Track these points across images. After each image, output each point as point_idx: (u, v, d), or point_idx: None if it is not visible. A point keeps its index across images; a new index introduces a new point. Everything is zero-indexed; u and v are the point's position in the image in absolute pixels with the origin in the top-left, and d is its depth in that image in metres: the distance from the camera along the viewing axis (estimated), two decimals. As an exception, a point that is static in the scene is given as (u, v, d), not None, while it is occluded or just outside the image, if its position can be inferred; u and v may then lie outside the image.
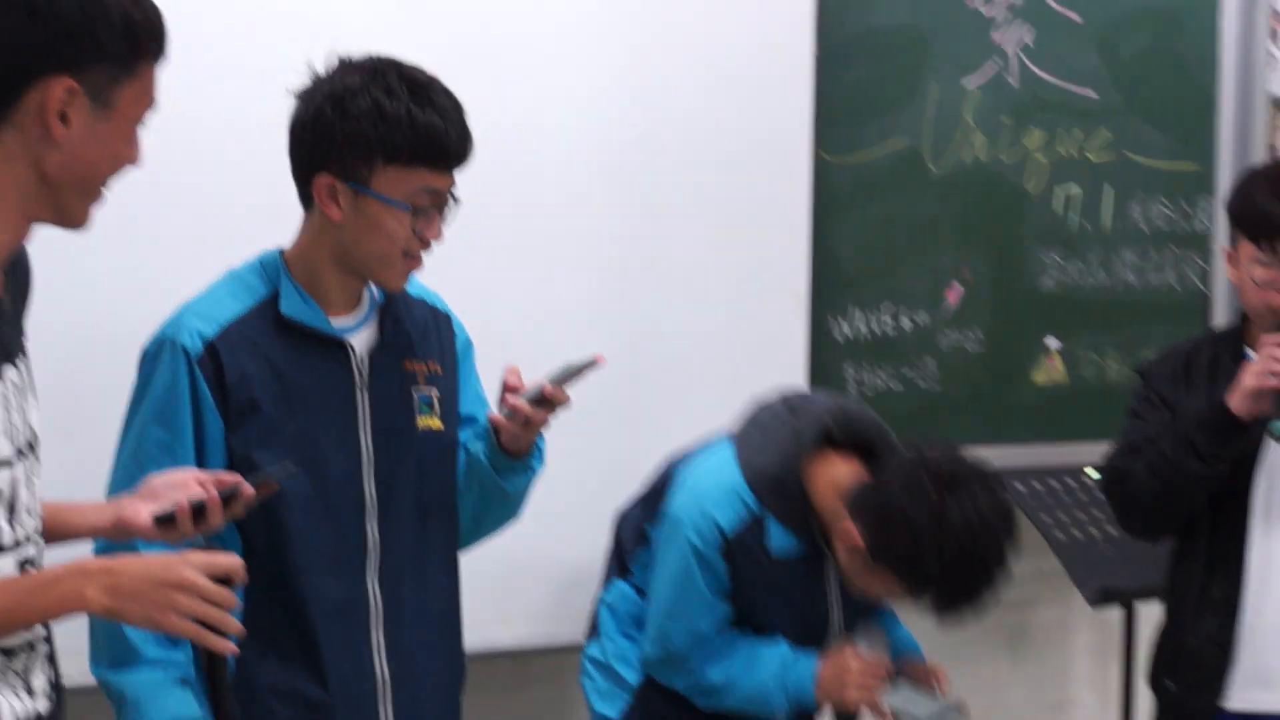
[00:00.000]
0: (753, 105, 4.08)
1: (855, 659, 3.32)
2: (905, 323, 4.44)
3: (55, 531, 2.50)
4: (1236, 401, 3.40)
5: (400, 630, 2.92)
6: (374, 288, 2.92)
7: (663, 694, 3.41)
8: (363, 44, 2.89)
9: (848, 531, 3.24)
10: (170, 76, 2.26)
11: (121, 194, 2.34)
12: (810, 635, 3.35)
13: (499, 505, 3.05)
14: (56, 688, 2.41)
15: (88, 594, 2.22)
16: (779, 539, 3.29)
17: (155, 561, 2.28)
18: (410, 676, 2.94)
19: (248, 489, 2.50)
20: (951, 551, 3.14)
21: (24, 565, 2.28)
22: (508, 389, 2.87)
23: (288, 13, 3.52)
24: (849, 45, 4.32)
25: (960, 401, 4.57)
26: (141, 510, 2.50)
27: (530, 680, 4.15)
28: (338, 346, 2.83)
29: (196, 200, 3.43)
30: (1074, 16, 4.66)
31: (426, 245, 2.82)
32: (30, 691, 2.34)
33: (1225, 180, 4.88)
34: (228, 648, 2.29)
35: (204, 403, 2.75)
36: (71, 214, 2.26)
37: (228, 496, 2.49)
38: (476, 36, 3.71)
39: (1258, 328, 3.56)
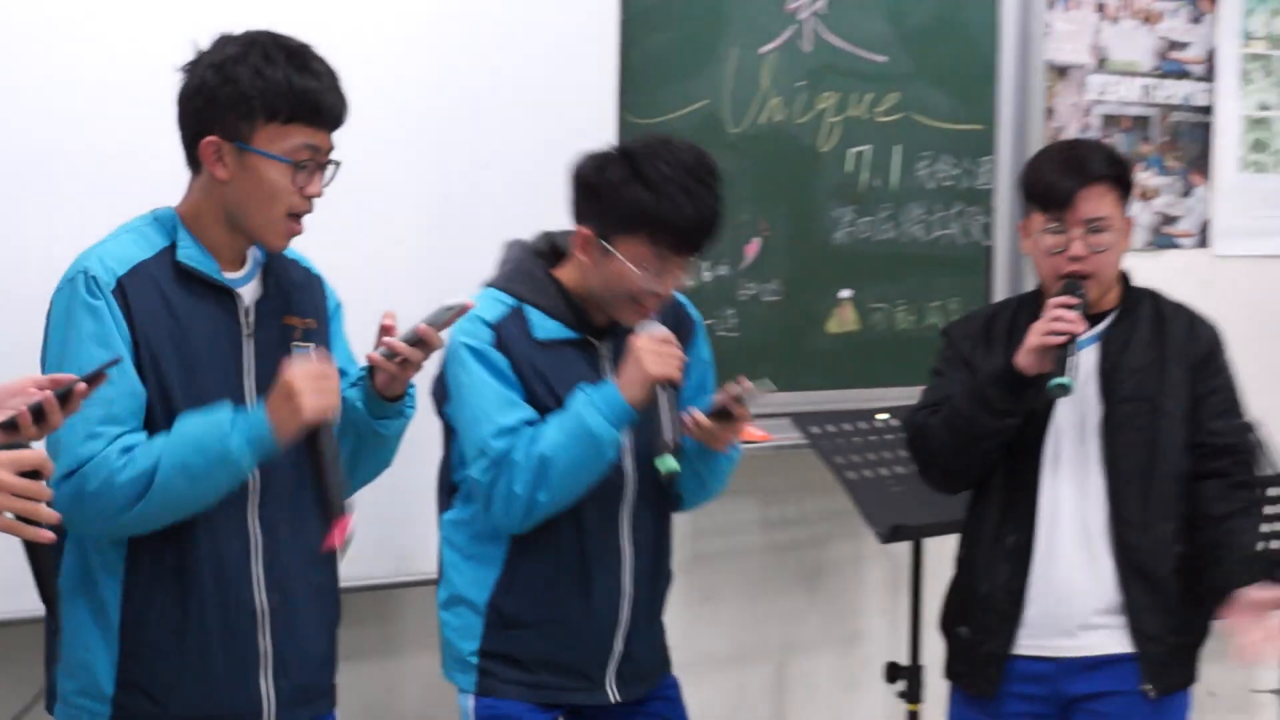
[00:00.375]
0: (561, 71, 4.11)
1: (644, 342, 3.26)
2: (706, 275, 4.47)
3: None
4: (1022, 359, 3.48)
5: (277, 566, 2.97)
6: (259, 249, 3.01)
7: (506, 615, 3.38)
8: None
9: (580, 236, 3.30)
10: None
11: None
12: None
13: (374, 450, 3.09)
14: None
15: None
16: (541, 324, 3.33)
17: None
18: (286, 609, 2.99)
19: (80, 385, 2.57)
20: (649, 164, 3.22)
21: None
22: (384, 331, 2.95)
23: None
24: (651, 13, 4.35)
25: (758, 349, 4.60)
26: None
27: (395, 613, 4.23)
28: (228, 296, 2.92)
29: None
30: None
31: (308, 203, 2.92)
32: None
33: (1006, 140, 5.05)
34: (43, 536, 2.37)
35: (120, 328, 2.83)
36: None
37: (63, 395, 2.56)
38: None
39: (1048, 294, 3.62)
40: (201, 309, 2.91)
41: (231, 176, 2.91)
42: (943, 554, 4.57)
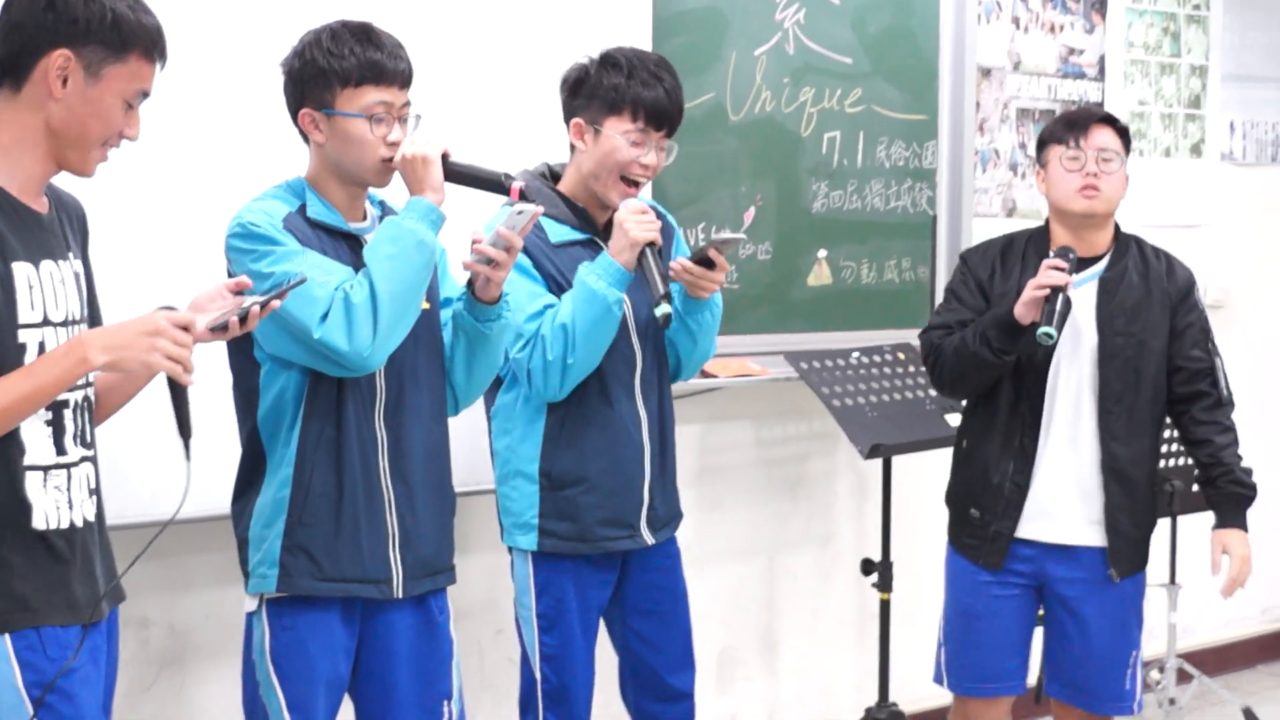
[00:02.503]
0: None
1: (624, 214, 3.40)
2: (714, 236, 4.44)
3: (139, 378, 2.75)
4: (1018, 309, 3.61)
5: (400, 459, 3.12)
6: (374, 203, 3.18)
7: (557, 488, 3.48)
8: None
9: (574, 127, 3.48)
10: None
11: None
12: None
13: (483, 351, 3.20)
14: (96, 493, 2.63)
15: (89, 355, 2.45)
16: (554, 229, 3.49)
17: (134, 320, 2.49)
18: (409, 496, 3.14)
19: (275, 302, 2.72)
20: (622, 59, 3.46)
21: (54, 408, 2.52)
22: (474, 242, 3.12)
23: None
24: (672, 20, 4.53)
25: (754, 299, 4.79)
26: (198, 322, 2.65)
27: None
28: (354, 240, 3.09)
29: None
30: (834, 0, 4.93)
31: (393, 149, 3.04)
32: (71, 505, 2.57)
33: (947, 128, 5.23)
34: (188, 381, 2.50)
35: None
36: (71, 162, 2.59)
37: (263, 304, 2.71)
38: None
39: (1061, 223, 3.76)
40: (332, 254, 3.05)
41: (327, 139, 3.05)
42: (906, 469, 4.92)
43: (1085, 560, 3.83)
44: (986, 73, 5.51)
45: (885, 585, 4.80)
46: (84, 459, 2.62)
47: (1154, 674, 5.69)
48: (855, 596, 5.24)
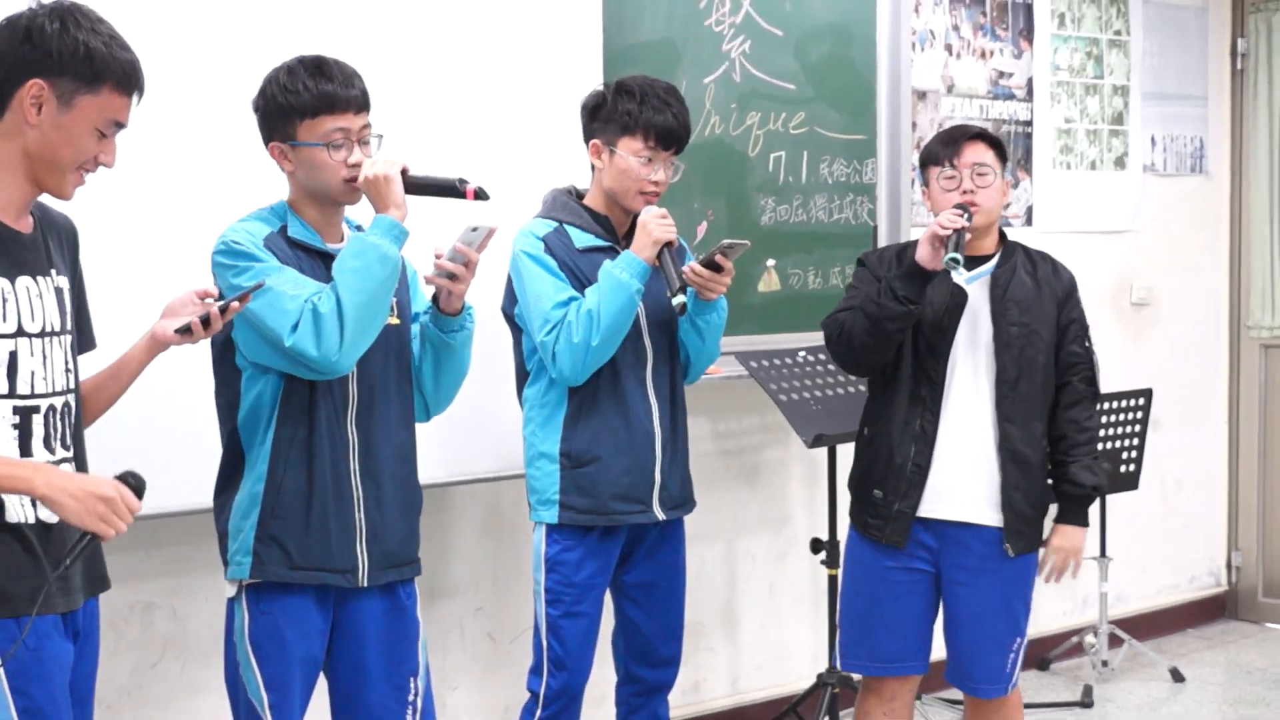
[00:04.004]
0: (559, 93, 4.21)
1: (647, 216, 3.54)
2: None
3: (122, 378, 2.83)
4: (920, 252, 3.62)
5: (370, 461, 3.16)
6: (350, 224, 3.22)
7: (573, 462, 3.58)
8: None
9: (593, 148, 3.60)
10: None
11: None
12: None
13: (449, 361, 3.26)
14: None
15: (36, 483, 2.46)
16: (579, 237, 3.63)
17: (94, 479, 2.50)
18: (377, 494, 3.18)
19: (236, 304, 2.79)
20: (635, 87, 3.58)
21: (22, 413, 2.53)
22: (437, 257, 3.17)
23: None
24: (625, 52, 4.53)
25: None
26: (167, 328, 2.78)
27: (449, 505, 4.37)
28: (331, 259, 3.10)
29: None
30: (778, 31, 4.96)
31: (355, 170, 3.07)
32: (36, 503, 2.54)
33: (884, 146, 5.24)
34: (110, 538, 2.51)
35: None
36: (48, 185, 2.61)
37: (223, 309, 2.78)
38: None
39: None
40: (312, 270, 3.09)
41: (295, 167, 3.09)
42: (849, 456, 4.92)
43: (981, 540, 3.77)
44: (922, 95, 5.57)
45: (833, 562, 4.84)
46: (62, 460, 2.62)
47: (1089, 638, 5.88)
48: (809, 573, 5.32)
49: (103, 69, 2.58)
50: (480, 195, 3.14)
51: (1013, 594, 3.84)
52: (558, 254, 3.61)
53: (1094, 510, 4.67)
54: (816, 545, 4.88)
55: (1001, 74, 5.86)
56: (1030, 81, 5.97)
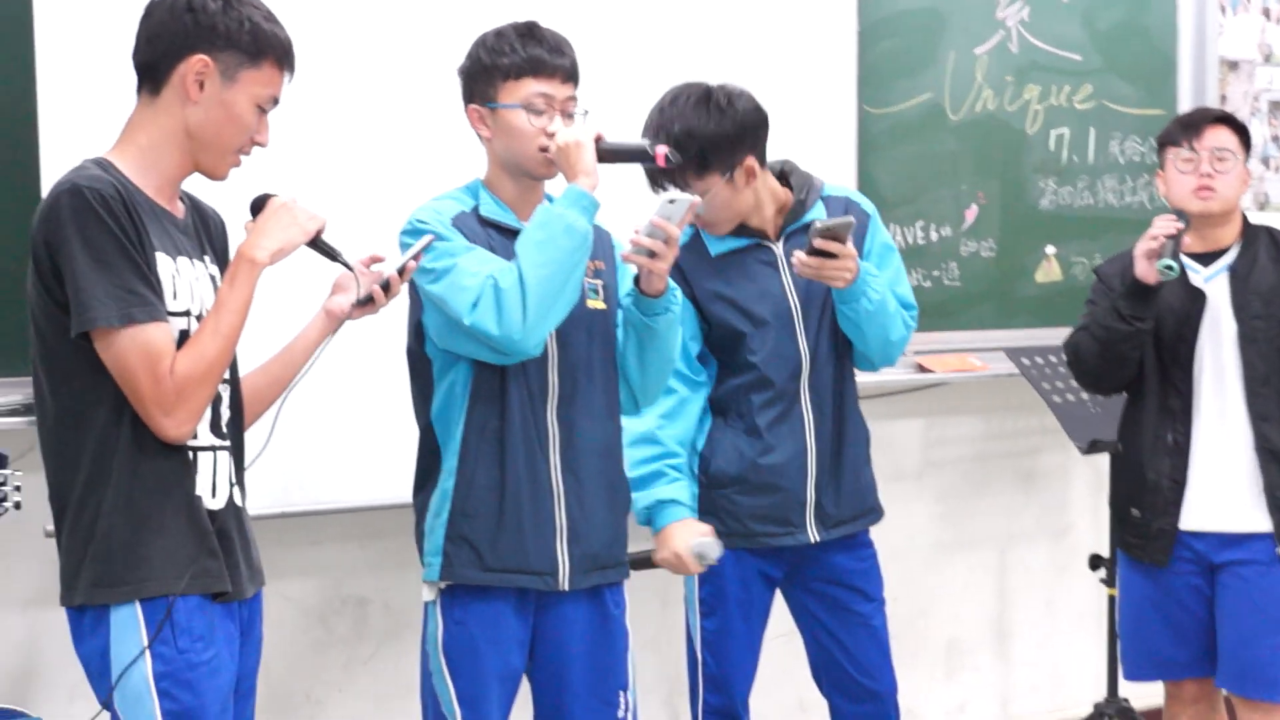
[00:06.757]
0: (810, 71, 4.21)
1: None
2: (933, 235, 4.53)
3: (296, 363, 2.77)
4: (1138, 268, 3.50)
5: (572, 454, 2.98)
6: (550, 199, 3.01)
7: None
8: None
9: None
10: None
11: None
12: (778, 309, 3.35)
13: (652, 346, 3.03)
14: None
15: (255, 256, 2.48)
16: (714, 243, 3.37)
17: (262, 216, 2.55)
18: (579, 491, 2.99)
19: (411, 263, 2.77)
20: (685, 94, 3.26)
21: None
22: (634, 233, 2.92)
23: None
24: (883, 23, 4.40)
25: (976, 296, 4.62)
26: (342, 302, 2.75)
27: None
28: None
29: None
30: None
31: (550, 141, 2.90)
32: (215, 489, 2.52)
33: None
34: (322, 224, 2.57)
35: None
36: (205, 165, 2.55)
37: (400, 269, 2.76)
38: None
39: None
40: (504, 250, 2.93)
41: (493, 133, 2.96)
42: None
43: (1250, 547, 3.63)
44: (1234, 65, 5.21)
45: (1113, 580, 4.38)
46: (219, 446, 2.55)
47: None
48: (1094, 589, 4.84)
49: (265, 44, 2.55)
50: (670, 159, 2.98)
51: None
52: (695, 267, 3.40)
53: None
54: (1095, 562, 4.52)
55: (1330, 41, 5.44)
56: (1360, 50, 5.54)
